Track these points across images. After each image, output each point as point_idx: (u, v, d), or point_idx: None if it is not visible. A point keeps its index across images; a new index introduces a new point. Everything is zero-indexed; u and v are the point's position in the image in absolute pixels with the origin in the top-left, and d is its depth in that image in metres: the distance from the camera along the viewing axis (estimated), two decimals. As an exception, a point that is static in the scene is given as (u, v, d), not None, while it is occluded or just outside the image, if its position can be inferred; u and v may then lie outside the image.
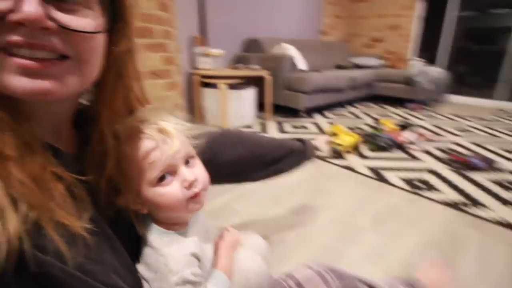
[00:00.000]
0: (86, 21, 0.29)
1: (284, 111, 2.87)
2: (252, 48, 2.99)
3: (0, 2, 0.24)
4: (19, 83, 0.26)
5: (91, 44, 0.31)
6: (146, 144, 0.39)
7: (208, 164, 0.46)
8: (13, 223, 0.25)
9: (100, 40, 0.32)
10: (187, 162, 0.42)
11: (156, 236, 0.42)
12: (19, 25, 0.25)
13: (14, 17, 0.24)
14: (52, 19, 0.26)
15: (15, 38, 0.25)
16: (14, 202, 0.26)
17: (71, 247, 0.29)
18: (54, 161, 0.31)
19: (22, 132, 0.28)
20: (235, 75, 2.47)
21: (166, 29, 2.01)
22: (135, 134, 0.39)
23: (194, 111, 2.61)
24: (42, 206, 0.28)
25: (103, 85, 0.37)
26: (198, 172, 0.43)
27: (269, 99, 2.69)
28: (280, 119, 2.74)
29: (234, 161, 0.74)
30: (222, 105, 2.38)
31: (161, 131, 0.40)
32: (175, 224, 0.44)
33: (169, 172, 0.40)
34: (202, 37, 2.58)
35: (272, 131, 2.38)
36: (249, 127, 2.51)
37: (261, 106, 2.74)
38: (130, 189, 0.40)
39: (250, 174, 0.79)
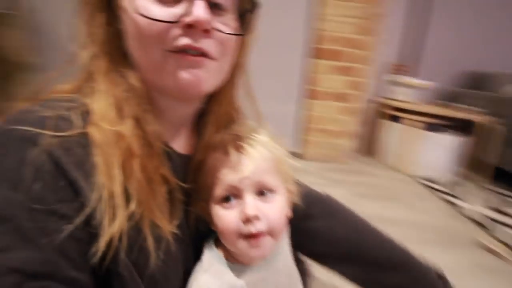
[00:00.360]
0: (230, 26, 0.34)
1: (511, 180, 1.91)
2: (473, 83, 2.25)
3: (175, 8, 0.30)
4: (184, 75, 0.31)
5: (231, 47, 0.35)
6: (222, 158, 0.38)
7: (294, 222, 0.43)
8: (120, 221, 0.28)
9: (235, 46, 0.36)
10: (261, 193, 0.38)
11: (209, 256, 0.40)
12: (189, 27, 0.30)
13: (187, 19, 0.29)
14: (212, 23, 0.31)
15: (185, 41, 0.30)
16: (127, 197, 0.29)
17: (157, 249, 0.32)
18: (166, 162, 0.35)
19: (149, 133, 0.33)
20: (437, 114, 1.94)
21: (360, 53, 1.92)
22: (220, 145, 0.39)
23: (369, 143, 2.33)
24: (147, 205, 0.31)
25: (218, 90, 0.39)
26: (268, 210, 0.37)
27: (488, 156, 1.91)
28: (502, 190, 1.85)
29: (327, 239, 0.50)
30: (408, 145, 1.97)
31: (241, 149, 0.37)
32: (233, 256, 0.40)
33: (234, 195, 0.37)
34: (402, 65, 2.22)
35: (473, 201, 1.65)
36: (436, 182, 1.88)
37: (467, 162, 1.99)
38: (201, 198, 0.40)
39: (341, 265, 0.51)
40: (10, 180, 0.26)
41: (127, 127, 0.31)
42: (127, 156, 0.30)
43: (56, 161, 0.27)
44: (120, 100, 0.32)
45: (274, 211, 0.38)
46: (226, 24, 0.33)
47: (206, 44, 0.31)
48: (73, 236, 0.26)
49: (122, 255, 0.29)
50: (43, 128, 0.27)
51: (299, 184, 0.43)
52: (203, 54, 0.32)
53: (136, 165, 0.30)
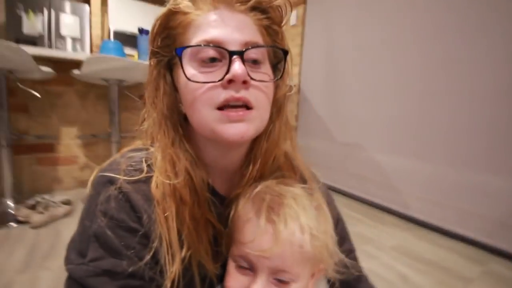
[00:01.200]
0: (266, 75, 0.40)
1: None
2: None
3: (218, 71, 0.37)
4: (230, 129, 0.37)
5: (267, 95, 0.40)
6: (251, 217, 0.37)
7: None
8: (176, 265, 0.36)
9: (271, 90, 0.42)
10: (277, 279, 0.35)
11: None
12: (230, 82, 0.36)
13: (228, 76, 0.36)
14: (249, 75, 0.37)
15: (228, 94, 0.36)
16: (181, 243, 0.37)
17: (208, 285, 0.40)
18: (212, 206, 0.42)
19: (197, 184, 0.39)
20: None
21: None
22: (256, 199, 0.39)
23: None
24: (195, 248, 0.38)
25: (261, 135, 0.43)
26: None
27: None
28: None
29: None
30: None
31: (274, 219, 0.36)
32: None
33: (249, 265, 0.37)
34: None
35: None
36: None
37: None
38: (229, 242, 0.41)
39: None
40: (102, 211, 0.36)
41: (179, 181, 0.38)
42: (180, 206, 0.37)
43: (128, 197, 0.37)
44: (174, 156, 0.39)
45: None
46: (262, 74, 0.39)
47: (245, 94, 0.37)
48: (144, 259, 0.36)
49: None
50: (120, 174, 0.37)
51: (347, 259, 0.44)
52: (244, 104, 0.37)
53: (186, 214, 0.37)
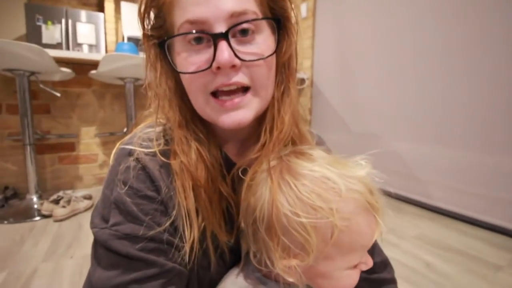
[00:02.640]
0: (261, 47, 0.37)
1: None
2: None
3: (206, 53, 0.36)
4: (227, 118, 0.37)
5: (264, 68, 0.38)
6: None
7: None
8: (194, 231, 0.38)
9: (272, 61, 0.39)
10: None
11: (250, 273, 0.40)
12: (218, 69, 0.35)
13: (215, 64, 0.35)
14: (237, 56, 0.35)
15: (219, 81, 0.36)
16: (197, 213, 0.39)
17: (215, 255, 0.41)
18: (227, 177, 0.42)
19: (208, 159, 0.40)
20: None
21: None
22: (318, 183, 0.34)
23: None
24: (208, 219, 0.39)
25: (269, 106, 0.42)
26: None
27: None
28: None
29: None
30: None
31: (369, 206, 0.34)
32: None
33: None
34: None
35: None
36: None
37: None
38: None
39: None
40: (121, 180, 0.37)
41: (190, 161, 0.39)
42: (195, 181, 0.39)
43: (145, 167, 0.38)
44: (183, 138, 0.40)
45: None
46: (256, 46, 0.37)
47: (238, 77, 0.36)
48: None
49: (193, 258, 0.39)
50: (138, 147, 0.39)
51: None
52: (239, 88, 0.37)
53: (200, 189, 0.39)
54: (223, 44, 0.34)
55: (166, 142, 0.41)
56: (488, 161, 1.45)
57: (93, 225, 0.38)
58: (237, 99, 0.37)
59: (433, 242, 1.35)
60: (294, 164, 0.36)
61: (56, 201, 1.59)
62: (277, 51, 0.40)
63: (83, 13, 3.17)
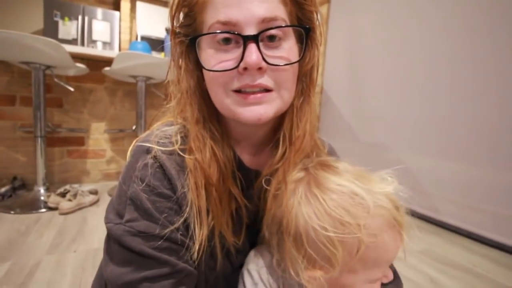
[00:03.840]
0: (287, 53, 0.38)
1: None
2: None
3: (234, 53, 0.37)
4: (247, 112, 0.38)
5: (289, 74, 0.39)
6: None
7: None
8: (204, 230, 0.38)
9: (296, 68, 0.40)
10: None
11: (267, 271, 0.41)
12: (245, 70, 0.36)
13: (242, 65, 0.36)
14: (264, 60, 0.36)
15: (244, 82, 0.37)
16: (207, 211, 0.39)
17: (222, 254, 0.42)
18: (238, 181, 0.43)
19: (222, 159, 0.41)
20: None
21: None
22: (343, 200, 0.34)
23: None
24: (218, 219, 0.40)
25: (287, 112, 0.43)
26: None
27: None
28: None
29: None
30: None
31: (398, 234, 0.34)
32: None
33: None
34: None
35: None
36: None
37: None
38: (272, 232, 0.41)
39: None
40: (139, 177, 0.38)
41: (204, 159, 0.39)
42: (207, 179, 0.39)
43: (162, 165, 0.39)
44: (199, 135, 0.40)
45: None
46: (282, 52, 0.38)
47: (262, 80, 0.37)
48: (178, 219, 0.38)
49: (201, 255, 0.39)
50: (156, 145, 0.39)
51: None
52: (261, 90, 0.37)
53: (212, 188, 0.39)
54: (252, 46, 0.35)
55: (182, 141, 0.41)
56: (497, 178, 1.43)
57: (107, 220, 0.39)
58: (260, 94, 0.37)
59: (439, 257, 1.32)
60: (322, 178, 0.37)
61: (63, 194, 1.60)
62: (301, 60, 0.41)
63: (99, 11, 3.23)
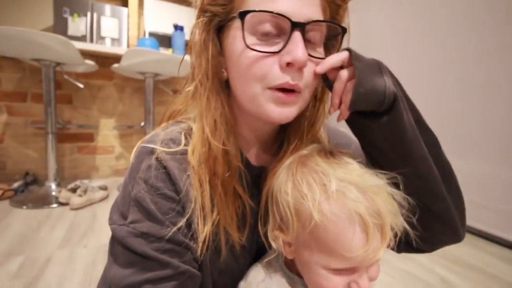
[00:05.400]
0: (319, 57, 0.38)
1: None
2: None
3: (276, 46, 0.35)
4: (277, 111, 0.37)
5: (314, 76, 0.38)
6: (345, 228, 0.33)
7: None
8: (208, 227, 0.38)
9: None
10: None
11: (278, 271, 0.42)
12: (288, 65, 0.34)
13: (287, 58, 0.34)
14: (309, 54, 0.35)
15: (284, 79, 0.35)
16: (212, 207, 0.39)
17: (226, 250, 0.42)
18: (243, 174, 0.43)
19: (231, 154, 0.40)
20: None
21: None
22: (339, 196, 0.34)
23: None
24: (223, 214, 0.40)
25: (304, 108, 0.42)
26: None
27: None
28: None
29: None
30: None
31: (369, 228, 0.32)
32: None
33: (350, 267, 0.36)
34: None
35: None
36: None
37: None
38: (273, 226, 0.41)
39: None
40: (142, 178, 0.37)
41: (214, 149, 0.39)
42: (212, 173, 0.39)
43: (165, 167, 0.38)
44: (212, 120, 0.39)
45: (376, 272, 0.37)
46: (317, 55, 0.37)
47: (300, 81, 0.36)
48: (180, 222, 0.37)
49: (205, 251, 0.39)
50: (160, 146, 0.39)
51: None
52: (294, 90, 0.36)
53: (218, 181, 0.39)
54: (299, 36, 0.34)
55: (187, 141, 0.41)
56: (509, 175, 1.39)
57: (111, 221, 0.39)
58: (294, 97, 0.37)
59: (449, 257, 1.30)
60: (311, 157, 0.39)
61: (73, 190, 1.63)
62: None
63: (107, 7, 3.24)
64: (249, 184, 0.44)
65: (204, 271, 0.41)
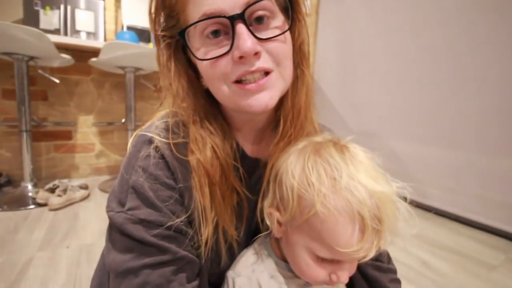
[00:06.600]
0: (279, 28, 0.37)
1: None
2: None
3: (226, 42, 0.35)
4: (254, 100, 0.37)
5: (285, 47, 0.38)
6: (340, 221, 0.34)
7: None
8: (209, 228, 0.40)
9: (288, 42, 0.39)
10: None
11: (270, 259, 0.43)
12: (241, 58, 0.35)
13: (237, 53, 0.34)
14: (255, 36, 0.35)
15: (242, 69, 0.35)
16: (211, 209, 0.40)
17: (226, 250, 0.43)
18: (240, 173, 0.44)
19: (224, 156, 0.41)
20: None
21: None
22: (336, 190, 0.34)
23: None
24: (221, 215, 0.41)
25: (288, 91, 0.43)
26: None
27: None
28: None
29: None
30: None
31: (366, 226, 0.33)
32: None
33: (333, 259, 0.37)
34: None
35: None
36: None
37: None
38: (275, 206, 0.41)
39: None
40: (141, 166, 0.38)
41: (205, 159, 0.40)
42: (210, 178, 0.40)
43: (163, 155, 0.39)
44: (198, 136, 0.40)
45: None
46: (272, 30, 0.36)
47: (260, 62, 0.36)
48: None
49: (206, 252, 0.40)
50: (158, 136, 0.40)
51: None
52: (261, 74, 0.36)
53: (216, 188, 0.40)
54: (241, 28, 0.34)
55: (183, 131, 0.41)
56: (483, 163, 1.47)
57: (109, 209, 0.39)
58: (262, 81, 0.36)
59: (429, 241, 1.37)
60: (325, 147, 0.38)
61: (52, 190, 1.56)
62: (291, 34, 0.40)
63: (82, 0, 3.10)
64: (245, 175, 0.45)
65: (203, 271, 0.42)
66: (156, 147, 0.39)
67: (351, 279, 0.48)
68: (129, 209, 0.37)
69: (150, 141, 0.39)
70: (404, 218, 0.36)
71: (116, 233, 0.37)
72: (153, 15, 0.38)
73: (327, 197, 0.33)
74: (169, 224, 0.37)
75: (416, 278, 1.06)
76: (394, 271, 0.55)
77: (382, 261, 0.52)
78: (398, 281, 0.54)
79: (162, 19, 0.39)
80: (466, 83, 1.52)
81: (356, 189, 0.33)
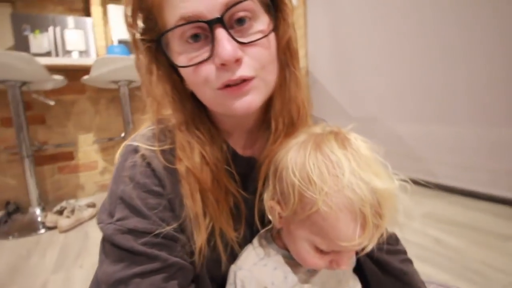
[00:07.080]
0: (262, 30, 0.36)
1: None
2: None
3: (203, 54, 0.35)
4: (238, 104, 0.36)
5: (267, 53, 0.37)
6: (340, 216, 0.34)
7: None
8: (202, 235, 0.39)
9: (273, 43, 0.38)
10: None
11: (272, 250, 0.43)
12: (222, 65, 0.34)
13: (218, 61, 0.33)
14: (236, 40, 0.34)
15: (224, 77, 0.35)
16: (205, 215, 0.39)
17: (225, 253, 0.42)
18: (234, 174, 0.43)
19: (213, 161, 0.40)
20: None
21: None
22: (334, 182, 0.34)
23: None
24: (217, 219, 0.40)
25: (274, 92, 0.42)
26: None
27: None
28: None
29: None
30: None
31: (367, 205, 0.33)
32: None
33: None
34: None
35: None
36: None
37: None
38: (277, 200, 0.40)
39: None
40: (128, 176, 0.38)
41: (194, 165, 0.39)
42: (201, 184, 0.39)
43: (150, 163, 0.39)
44: (184, 142, 0.40)
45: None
46: (254, 33, 0.35)
47: (242, 71, 0.35)
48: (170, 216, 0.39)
49: (201, 258, 0.40)
50: (144, 144, 0.39)
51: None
52: (244, 79, 0.35)
53: (209, 194, 0.39)
54: (221, 32, 0.33)
55: (171, 140, 0.41)
56: (488, 134, 1.45)
57: (99, 221, 0.39)
58: (244, 86, 0.36)
59: (441, 219, 1.35)
60: (326, 141, 0.37)
61: (60, 212, 1.57)
62: (276, 34, 0.38)
63: (70, 19, 3.11)
64: (240, 176, 0.44)
65: (203, 277, 0.42)
66: (142, 155, 0.39)
67: (359, 262, 0.49)
68: (118, 220, 0.37)
69: (136, 150, 0.39)
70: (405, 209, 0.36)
71: (107, 245, 0.37)
72: (130, 18, 0.37)
73: (329, 196, 0.33)
74: (158, 230, 0.36)
75: (430, 256, 1.05)
76: (403, 252, 0.54)
77: (391, 244, 0.52)
78: (409, 261, 0.54)
79: (140, 22, 0.38)
80: (467, 56, 1.49)
81: (358, 186, 0.33)
